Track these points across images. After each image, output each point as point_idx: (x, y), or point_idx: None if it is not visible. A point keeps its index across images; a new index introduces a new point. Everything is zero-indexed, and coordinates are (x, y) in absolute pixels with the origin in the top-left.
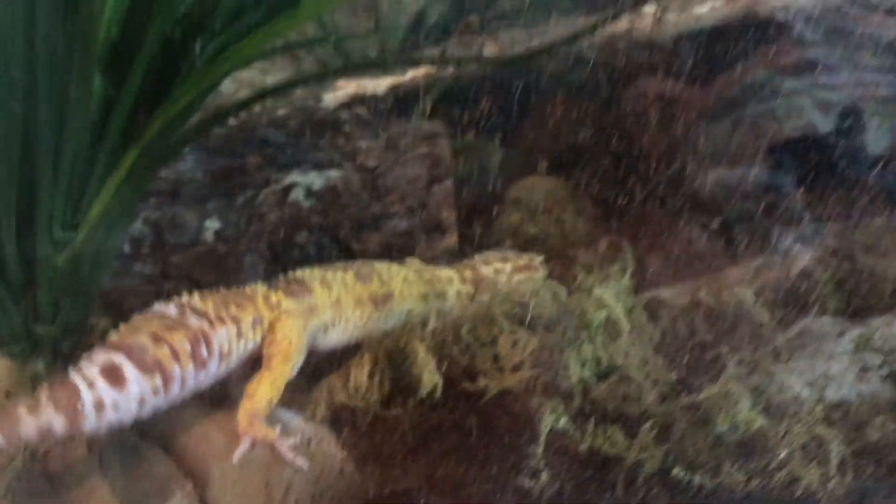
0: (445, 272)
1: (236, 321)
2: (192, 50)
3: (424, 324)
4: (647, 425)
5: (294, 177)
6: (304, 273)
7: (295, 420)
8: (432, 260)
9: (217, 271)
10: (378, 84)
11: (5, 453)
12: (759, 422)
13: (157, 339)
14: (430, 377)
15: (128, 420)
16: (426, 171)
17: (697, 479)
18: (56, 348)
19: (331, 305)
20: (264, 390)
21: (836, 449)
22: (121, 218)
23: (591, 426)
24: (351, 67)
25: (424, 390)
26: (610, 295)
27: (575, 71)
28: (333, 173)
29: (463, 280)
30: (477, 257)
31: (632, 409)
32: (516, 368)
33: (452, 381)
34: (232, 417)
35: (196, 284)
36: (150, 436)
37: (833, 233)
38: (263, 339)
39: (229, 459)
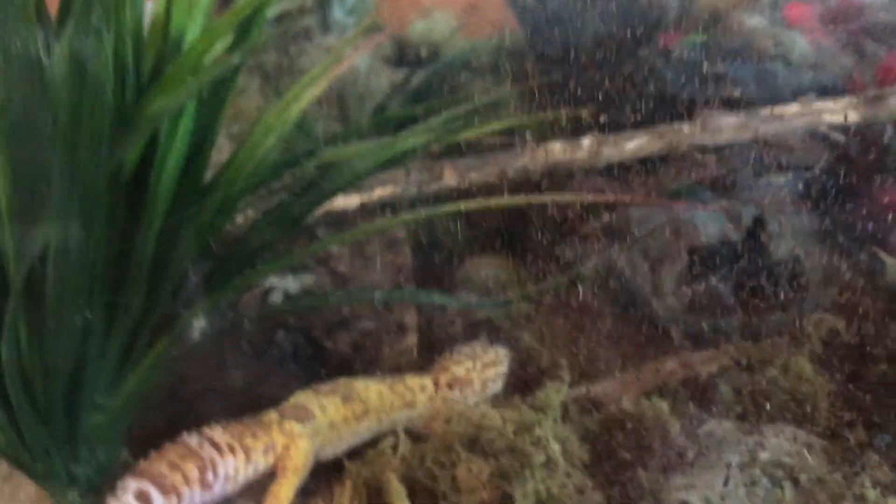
0: (418, 381)
1: (246, 450)
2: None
3: (395, 449)
4: None
5: (272, 281)
6: (306, 398)
7: None
8: (398, 356)
9: (202, 367)
10: (349, 201)
11: None
12: None
13: (173, 466)
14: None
15: None
16: (391, 277)
17: None
18: (89, 482)
19: (328, 426)
20: (284, 492)
21: None
22: (148, 381)
23: None
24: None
25: None
26: (550, 433)
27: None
28: (307, 278)
29: (437, 385)
30: (449, 356)
31: None
32: (472, 492)
33: (419, 502)
34: None
35: (182, 378)
36: None
37: (736, 344)
38: (277, 459)
39: None
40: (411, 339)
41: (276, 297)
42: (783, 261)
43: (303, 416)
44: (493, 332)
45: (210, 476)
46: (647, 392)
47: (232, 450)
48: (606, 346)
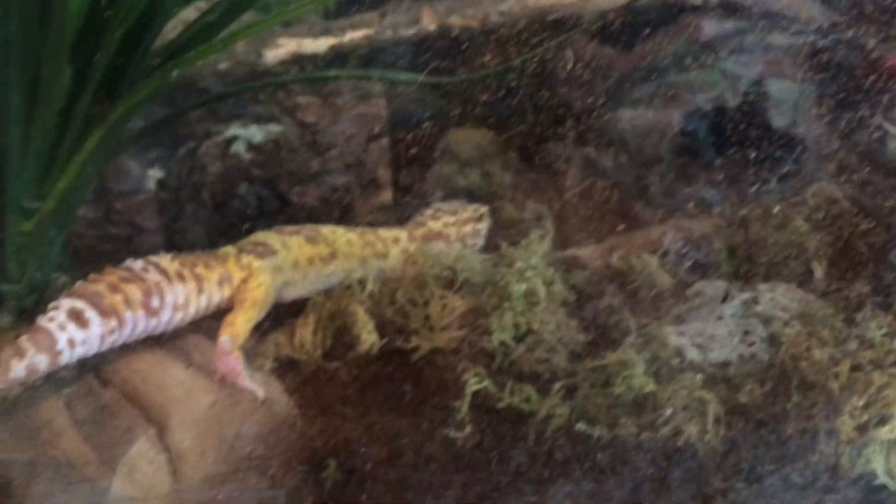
0: (392, 233)
1: (198, 279)
2: (151, 41)
3: (363, 286)
4: (557, 385)
5: (235, 130)
6: (266, 236)
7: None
8: (370, 213)
9: (159, 218)
10: (318, 43)
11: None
12: (651, 386)
13: (114, 288)
14: (368, 336)
15: (92, 353)
16: (363, 130)
17: (597, 432)
18: (20, 304)
19: (291, 265)
20: (241, 321)
21: (713, 408)
22: (83, 190)
23: (509, 385)
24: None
25: (363, 348)
26: (530, 268)
27: (508, 30)
28: (273, 128)
29: (413, 238)
30: (427, 212)
31: (544, 371)
32: (445, 329)
33: (388, 339)
34: (187, 372)
35: (138, 230)
36: (113, 385)
37: (731, 202)
38: (234, 292)
39: (187, 407)
40: (385, 196)
41: (240, 147)
42: (783, 128)
43: (263, 251)
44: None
45: (155, 301)
46: (637, 253)
47: (181, 277)
48: (594, 215)
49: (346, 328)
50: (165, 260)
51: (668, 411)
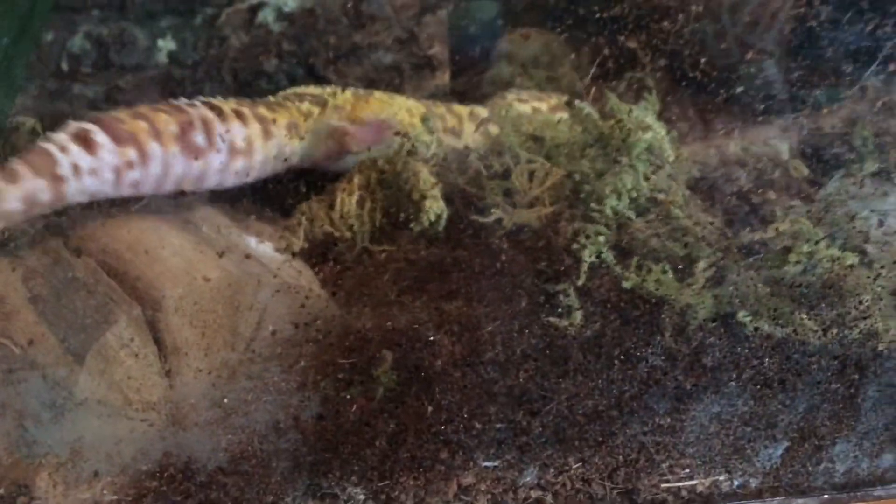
0: (467, 109)
1: (263, 121)
2: None
3: (427, 147)
4: (702, 264)
5: None
6: (307, 89)
7: (267, 250)
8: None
9: (171, 99)
10: None
11: None
12: (850, 259)
13: (137, 115)
14: (433, 203)
15: (108, 193)
16: None
17: (765, 326)
18: None
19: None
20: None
21: None
22: (33, 18)
23: (633, 262)
24: None
25: (426, 219)
26: (652, 118)
27: None
28: None
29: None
30: (509, 95)
31: (680, 249)
32: (533, 203)
33: (458, 213)
34: (191, 241)
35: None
36: (88, 254)
37: (872, 89)
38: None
39: (188, 285)
40: (442, 77)
41: (268, 16)
42: None
43: (318, 100)
44: None
45: (198, 138)
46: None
47: (240, 116)
48: (688, 116)
49: (402, 196)
50: (220, 99)
51: (866, 299)
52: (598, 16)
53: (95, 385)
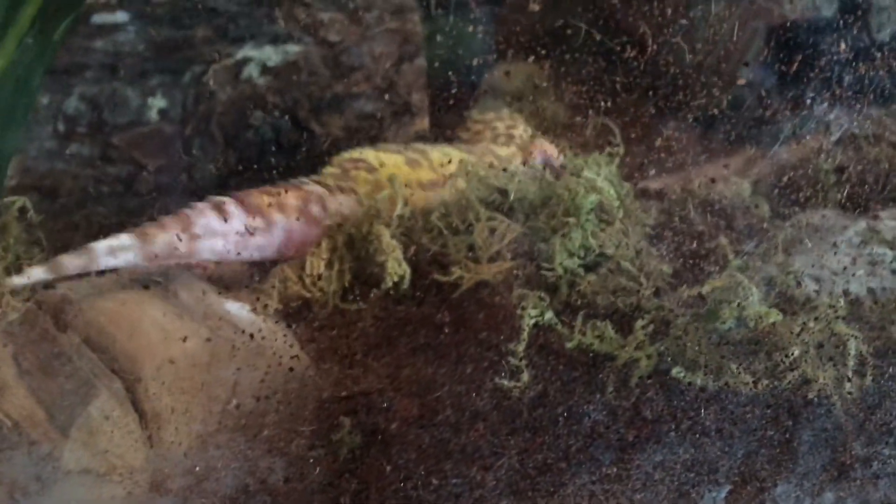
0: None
1: (349, 192)
2: None
3: (390, 206)
4: (642, 321)
5: (247, 51)
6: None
7: (244, 312)
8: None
9: (163, 154)
10: None
11: (139, 269)
12: (773, 317)
13: (266, 192)
14: (395, 265)
15: (233, 254)
16: (395, 49)
17: (699, 380)
18: None
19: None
20: None
21: (855, 347)
22: (29, 76)
23: (578, 321)
24: None
25: (390, 280)
26: (601, 179)
27: None
28: (292, 48)
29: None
30: (490, 114)
31: (624, 304)
32: (493, 258)
33: (421, 271)
34: (169, 312)
35: (139, 168)
36: (72, 328)
37: (836, 122)
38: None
39: (165, 354)
40: (421, 124)
41: (253, 71)
42: (888, 42)
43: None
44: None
45: (316, 209)
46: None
47: (342, 190)
48: (662, 148)
49: (368, 258)
50: (326, 175)
51: (796, 351)
52: (578, 48)
53: (80, 456)
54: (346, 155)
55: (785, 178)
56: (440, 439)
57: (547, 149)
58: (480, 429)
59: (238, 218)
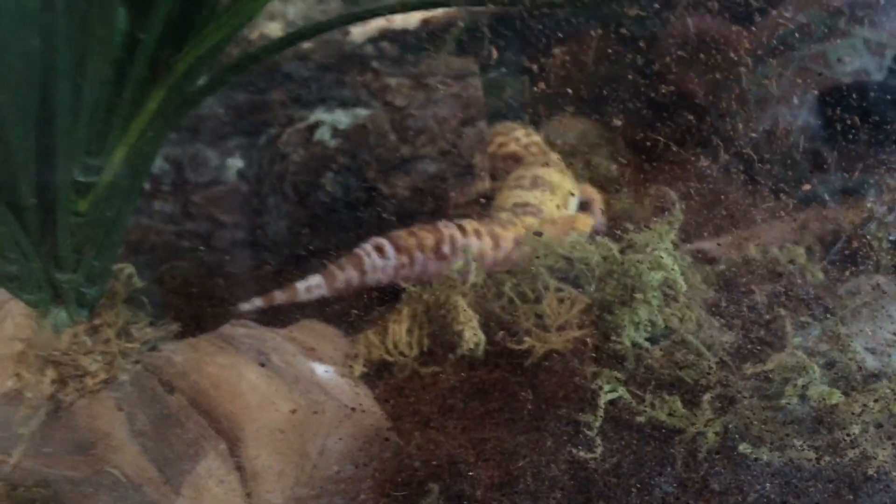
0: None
1: (494, 236)
2: None
3: (464, 276)
4: (708, 395)
5: (319, 115)
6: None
7: (332, 375)
8: (466, 205)
9: (239, 211)
10: (409, 18)
11: (327, 297)
12: (836, 398)
13: (411, 233)
14: (472, 334)
15: (389, 281)
16: (458, 112)
17: (764, 454)
18: (80, 297)
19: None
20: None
21: None
22: (145, 161)
23: (648, 395)
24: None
25: (466, 347)
26: (667, 255)
27: (610, 4)
28: (360, 112)
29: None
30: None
31: (690, 378)
32: (562, 328)
33: (493, 339)
34: (264, 376)
35: (217, 225)
36: (179, 391)
37: (889, 186)
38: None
39: (263, 417)
40: (482, 184)
41: (324, 134)
42: None
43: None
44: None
45: (446, 248)
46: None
47: (477, 234)
48: (715, 207)
49: (445, 325)
50: (467, 221)
51: (856, 429)
52: (631, 102)
53: None
54: (519, 197)
55: (838, 243)
56: None
57: (588, 191)
58: (558, 496)
59: (392, 256)
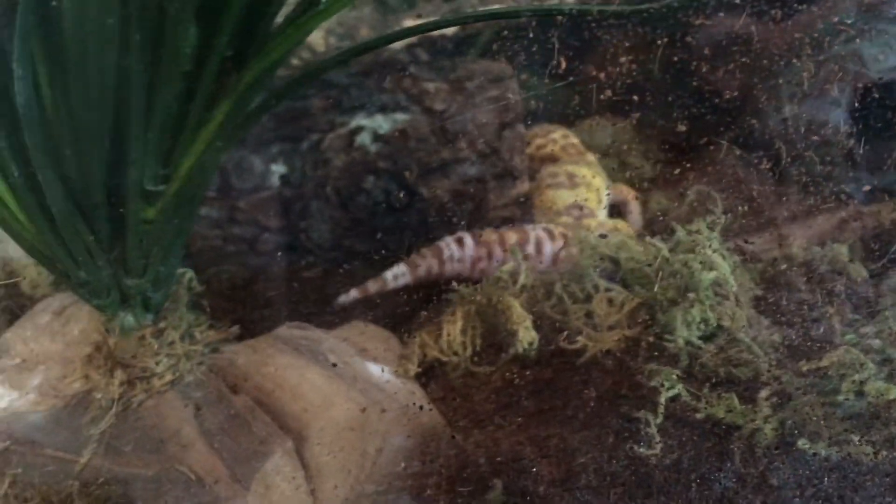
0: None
1: (565, 238)
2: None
3: (514, 277)
4: (765, 392)
5: (360, 120)
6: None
7: (387, 375)
8: (505, 207)
9: (283, 216)
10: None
11: (410, 285)
12: (893, 393)
13: (495, 230)
14: (525, 333)
15: (466, 274)
16: (496, 116)
17: (822, 449)
18: (146, 301)
19: None
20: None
21: None
22: (209, 171)
23: (704, 392)
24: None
25: (521, 346)
26: (717, 255)
27: (641, 4)
28: (400, 116)
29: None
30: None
31: (745, 375)
32: (613, 328)
33: (546, 338)
34: (325, 376)
35: (262, 229)
36: (244, 391)
37: None
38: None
39: (326, 416)
40: (522, 186)
41: (365, 139)
42: None
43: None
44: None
45: (530, 248)
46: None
47: (564, 237)
48: (753, 202)
49: (498, 325)
50: (555, 226)
51: None
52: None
53: None
54: (571, 198)
55: (879, 239)
56: (582, 501)
57: (624, 191)
58: (619, 492)
59: (470, 248)
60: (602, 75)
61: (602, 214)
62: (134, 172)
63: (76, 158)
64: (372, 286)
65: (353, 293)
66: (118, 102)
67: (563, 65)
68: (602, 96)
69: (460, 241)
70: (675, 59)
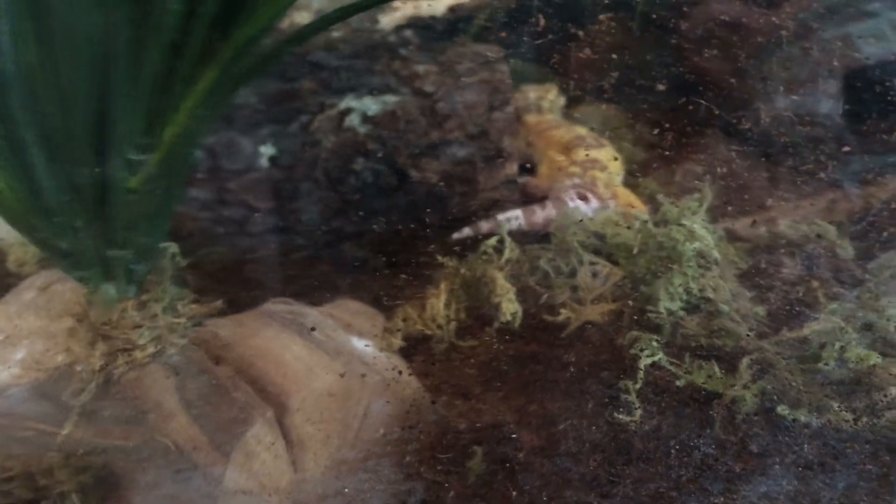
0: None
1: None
2: None
3: (500, 251)
4: (746, 360)
5: (349, 102)
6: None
7: (371, 349)
8: (494, 189)
9: (273, 197)
10: (436, 5)
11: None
12: (874, 359)
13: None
14: (509, 305)
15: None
16: (486, 98)
17: (802, 416)
18: (129, 273)
19: None
20: None
21: None
22: (194, 141)
23: (686, 361)
24: None
25: (504, 318)
26: (699, 226)
27: None
28: (390, 98)
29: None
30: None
31: (727, 345)
32: (597, 300)
33: (530, 312)
34: (307, 347)
35: (251, 210)
36: (226, 362)
37: None
38: None
39: (308, 386)
40: (512, 168)
41: (354, 120)
42: None
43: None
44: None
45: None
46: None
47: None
48: (742, 188)
49: (482, 298)
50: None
51: (894, 391)
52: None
53: (238, 477)
54: (583, 153)
55: (866, 219)
56: (561, 468)
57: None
58: (599, 459)
59: (595, 202)
60: (593, 61)
61: (617, 181)
62: (118, 140)
63: (61, 117)
64: (484, 226)
65: (466, 231)
66: (103, 69)
67: (555, 51)
68: (593, 82)
69: (584, 197)
70: (666, 46)
